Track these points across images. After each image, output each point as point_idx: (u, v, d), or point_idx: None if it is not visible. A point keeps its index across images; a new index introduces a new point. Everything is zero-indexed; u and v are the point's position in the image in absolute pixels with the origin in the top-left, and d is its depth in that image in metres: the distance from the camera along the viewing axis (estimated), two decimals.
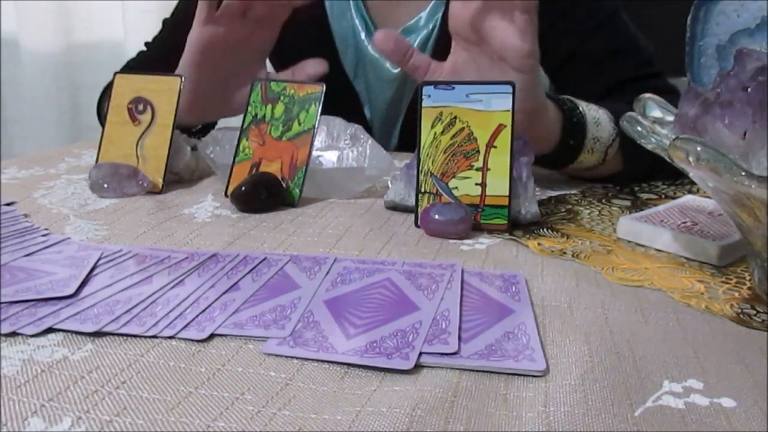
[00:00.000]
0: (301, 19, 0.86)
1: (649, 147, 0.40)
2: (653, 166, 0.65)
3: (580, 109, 0.62)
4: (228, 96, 0.71)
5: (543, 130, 0.60)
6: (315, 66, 0.72)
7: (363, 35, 0.84)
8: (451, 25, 0.60)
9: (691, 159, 0.33)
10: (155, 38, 0.91)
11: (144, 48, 0.91)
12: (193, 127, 0.75)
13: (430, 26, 0.82)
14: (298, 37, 0.88)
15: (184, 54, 0.69)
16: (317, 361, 0.32)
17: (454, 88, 0.53)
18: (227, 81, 0.71)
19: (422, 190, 0.53)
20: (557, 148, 0.61)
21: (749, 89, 0.37)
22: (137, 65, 0.88)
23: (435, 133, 0.53)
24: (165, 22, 0.92)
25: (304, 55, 0.88)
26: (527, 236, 0.50)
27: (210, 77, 0.69)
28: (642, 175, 0.67)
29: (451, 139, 0.53)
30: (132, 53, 0.93)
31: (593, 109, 0.63)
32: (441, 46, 0.82)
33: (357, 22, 0.84)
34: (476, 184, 0.52)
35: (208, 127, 0.92)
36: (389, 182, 0.58)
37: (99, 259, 0.43)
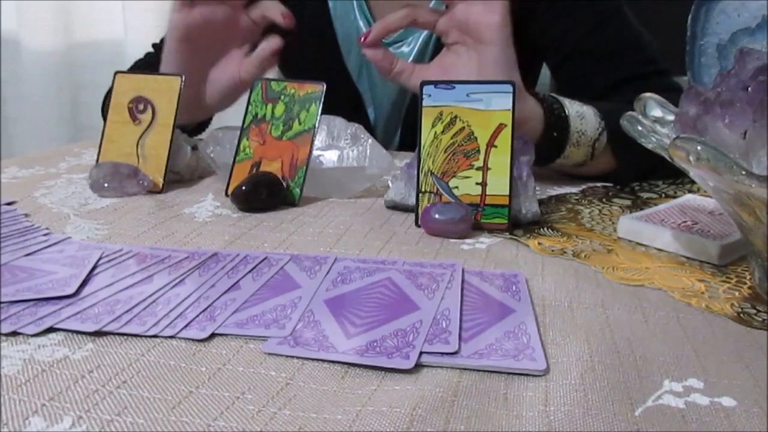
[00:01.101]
0: (306, 21, 0.86)
1: (649, 146, 0.40)
2: (649, 165, 0.65)
3: (562, 103, 0.63)
4: (213, 87, 0.71)
5: (524, 113, 0.60)
6: (272, 44, 0.70)
7: None
8: (438, 25, 0.62)
9: (691, 158, 0.33)
10: (162, 40, 0.91)
11: (151, 49, 0.91)
12: (186, 126, 0.75)
13: None
14: (301, 38, 0.88)
15: (166, 42, 0.69)
16: (318, 360, 0.32)
17: (454, 87, 0.53)
18: (210, 71, 0.70)
19: (422, 189, 0.53)
20: (542, 141, 0.62)
21: (750, 88, 0.37)
22: (144, 66, 0.87)
23: (435, 133, 0.53)
24: None
25: (309, 56, 0.88)
26: (527, 235, 0.50)
27: (193, 66, 0.68)
28: (638, 173, 0.67)
29: (452, 138, 0.53)
30: (132, 52, 0.93)
31: (576, 104, 0.64)
32: (442, 45, 0.82)
33: (361, 23, 0.84)
34: (476, 183, 0.52)
35: (201, 126, 0.92)
36: (389, 182, 0.58)
37: (99, 258, 0.43)
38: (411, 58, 0.83)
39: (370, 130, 0.79)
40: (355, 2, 0.84)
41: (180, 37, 0.67)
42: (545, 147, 0.62)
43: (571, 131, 0.62)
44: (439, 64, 0.63)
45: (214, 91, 0.71)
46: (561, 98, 0.64)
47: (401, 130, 0.88)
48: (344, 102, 0.78)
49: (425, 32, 0.82)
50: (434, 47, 0.82)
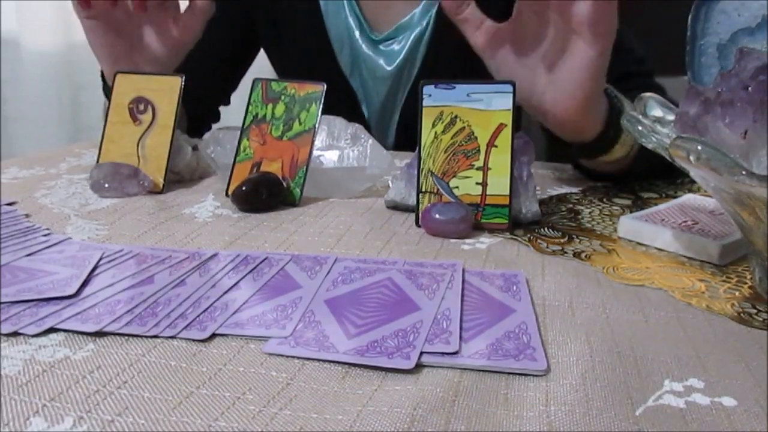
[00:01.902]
0: (298, 20, 0.86)
1: (649, 146, 0.40)
2: (658, 163, 0.64)
3: (619, 98, 0.61)
4: (155, 58, 0.71)
5: (595, 117, 0.59)
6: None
7: (357, 33, 0.84)
8: None
9: (691, 158, 0.33)
10: None
11: None
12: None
13: (424, 23, 0.82)
14: (295, 37, 0.88)
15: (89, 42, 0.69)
16: (318, 360, 0.32)
17: (454, 87, 0.53)
18: (143, 44, 0.70)
19: (423, 189, 0.53)
20: (598, 137, 0.60)
21: (750, 88, 0.37)
22: None
23: (436, 133, 0.53)
24: None
25: (302, 54, 0.89)
26: (528, 235, 0.50)
27: (122, 50, 0.69)
28: (644, 172, 0.66)
29: (452, 138, 0.53)
30: None
31: (627, 101, 0.62)
32: (435, 42, 0.82)
33: (351, 21, 0.84)
34: (477, 183, 0.52)
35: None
36: (390, 182, 0.58)
37: (100, 258, 0.43)
38: (402, 56, 0.83)
39: (365, 126, 0.80)
40: (345, 1, 0.84)
41: (95, 33, 0.67)
42: (597, 144, 0.61)
43: (624, 131, 0.60)
44: (514, 34, 0.57)
45: (157, 61, 0.71)
46: (617, 92, 0.61)
47: (397, 128, 0.88)
48: (338, 100, 0.78)
49: (417, 30, 0.82)
50: (428, 42, 0.82)
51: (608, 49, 0.55)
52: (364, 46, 0.85)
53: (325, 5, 0.85)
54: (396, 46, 0.84)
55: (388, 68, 0.84)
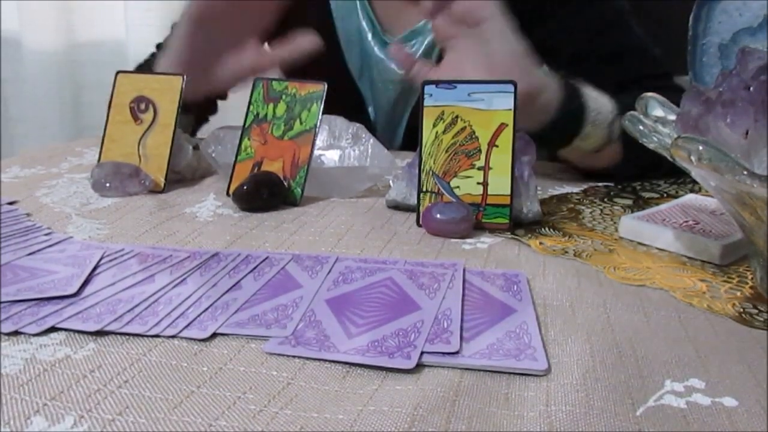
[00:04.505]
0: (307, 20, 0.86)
1: (651, 146, 0.40)
2: (650, 161, 0.64)
3: (581, 93, 0.62)
4: (218, 69, 0.70)
5: (536, 84, 0.59)
6: (308, 42, 0.70)
7: (370, 36, 0.84)
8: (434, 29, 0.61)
9: (693, 158, 0.33)
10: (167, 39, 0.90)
11: (154, 50, 0.90)
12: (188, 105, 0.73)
13: None
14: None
15: (178, 26, 0.68)
16: (319, 360, 0.32)
17: (455, 87, 0.53)
18: (219, 54, 0.69)
19: (424, 189, 0.53)
20: (559, 116, 0.60)
21: (751, 88, 0.37)
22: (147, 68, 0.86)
23: (437, 132, 0.53)
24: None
25: (309, 54, 0.88)
26: (529, 235, 0.50)
27: (202, 49, 0.68)
28: (640, 169, 0.66)
29: (453, 138, 0.53)
30: (134, 52, 0.93)
31: (584, 84, 0.63)
32: None
33: (364, 23, 0.84)
34: (478, 183, 0.52)
35: (205, 113, 0.92)
36: (391, 181, 0.58)
37: (101, 258, 0.43)
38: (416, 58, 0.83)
39: (371, 129, 0.80)
40: (358, 2, 0.84)
41: (195, 21, 0.67)
42: (562, 124, 0.60)
43: (589, 108, 0.61)
44: (447, 65, 0.61)
45: (223, 76, 0.70)
46: (584, 91, 0.62)
47: (405, 130, 0.88)
48: (344, 102, 0.78)
49: (431, 36, 0.82)
50: (440, 52, 0.82)
51: (497, 13, 0.57)
52: (376, 48, 0.84)
53: (335, 6, 0.85)
54: (409, 50, 0.83)
55: (400, 72, 0.84)
